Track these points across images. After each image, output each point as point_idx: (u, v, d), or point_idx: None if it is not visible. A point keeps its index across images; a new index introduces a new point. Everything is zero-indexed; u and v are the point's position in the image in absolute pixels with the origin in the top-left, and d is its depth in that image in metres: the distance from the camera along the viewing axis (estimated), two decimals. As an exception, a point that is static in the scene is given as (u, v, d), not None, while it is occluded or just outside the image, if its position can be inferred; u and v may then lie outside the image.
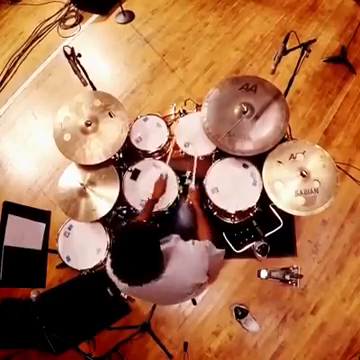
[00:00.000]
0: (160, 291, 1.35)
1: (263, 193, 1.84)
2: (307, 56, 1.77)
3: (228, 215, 2.00)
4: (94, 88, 2.17)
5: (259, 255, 2.05)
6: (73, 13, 3.91)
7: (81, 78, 1.96)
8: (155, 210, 1.89)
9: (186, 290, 1.41)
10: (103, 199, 1.94)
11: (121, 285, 1.35)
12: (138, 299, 2.32)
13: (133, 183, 2.02)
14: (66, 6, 3.96)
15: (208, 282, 1.53)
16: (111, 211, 1.94)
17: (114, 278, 1.32)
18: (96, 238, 2.01)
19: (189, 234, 1.59)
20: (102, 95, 2.06)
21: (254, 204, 1.87)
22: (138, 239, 1.16)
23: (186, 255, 1.40)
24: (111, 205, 1.91)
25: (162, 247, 1.28)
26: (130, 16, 3.74)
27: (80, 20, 3.87)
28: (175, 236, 1.56)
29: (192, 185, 1.94)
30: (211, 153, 2.02)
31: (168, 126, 2.15)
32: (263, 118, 1.89)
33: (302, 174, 1.77)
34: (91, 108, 2.01)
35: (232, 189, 1.92)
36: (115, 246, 1.21)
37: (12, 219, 1.85)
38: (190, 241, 1.47)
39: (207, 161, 2.03)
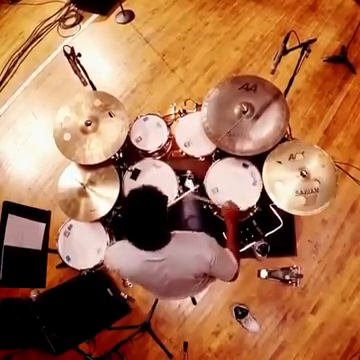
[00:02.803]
0: (164, 273, 1.35)
1: (263, 193, 1.84)
2: (307, 56, 1.76)
3: (228, 215, 2.00)
4: (94, 88, 2.17)
5: (259, 255, 2.04)
6: (73, 13, 3.91)
7: (81, 78, 1.96)
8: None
9: (189, 275, 1.39)
10: (103, 199, 1.94)
11: (128, 263, 1.36)
12: (139, 292, 2.31)
13: (133, 183, 2.02)
14: (66, 6, 3.96)
15: (227, 277, 1.50)
16: (111, 211, 1.94)
17: (121, 258, 1.37)
18: (96, 238, 2.01)
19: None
20: (102, 95, 2.05)
21: (254, 204, 1.87)
22: (147, 196, 1.22)
23: (191, 238, 1.40)
24: (111, 205, 1.91)
25: None
26: (130, 16, 3.74)
27: (80, 20, 3.87)
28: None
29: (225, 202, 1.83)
30: (211, 153, 2.02)
31: (168, 126, 2.15)
32: (263, 118, 1.88)
33: (302, 174, 1.77)
34: (91, 108, 2.00)
35: (232, 189, 1.91)
36: (126, 200, 1.27)
37: (12, 219, 1.85)
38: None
39: (207, 161, 2.03)
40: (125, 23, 3.73)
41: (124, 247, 1.31)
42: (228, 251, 1.48)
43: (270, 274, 2.04)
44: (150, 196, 1.23)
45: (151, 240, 1.24)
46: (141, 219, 1.19)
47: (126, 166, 2.07)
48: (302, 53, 1.76)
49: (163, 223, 1.24)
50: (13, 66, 3.71)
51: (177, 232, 1.38)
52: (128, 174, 2.03)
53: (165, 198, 1.27)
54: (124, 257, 1.38)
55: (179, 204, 2.00)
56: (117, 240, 2.02)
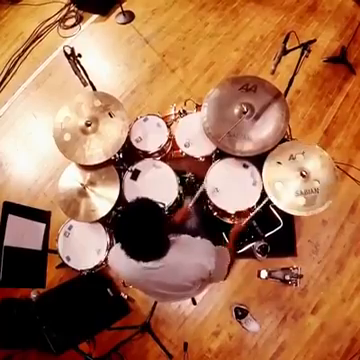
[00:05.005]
0: (161, 281, 1.34)
1: (263, 193, 1.84)
2: (307, 56, 1.76)
3: (228, 215, 2.00)
4: (94, 88, 2.17)
5: (259, 255, 2.05)
6: (73, 13, 3.91)
7: (81, 78, 1.96)
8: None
9: (187, 282, 1.38)
10: (103, 199, 1.94)
11: (125, 269, 1.35)
12: (139, 293, 2.31)
13: (133, 183, 2.03)
14: (66, 6, 3.96)
15: (219, 279, 1.54)
16: (111, 211, 1.94)
17: (119, 262, 1.35)
18: (96, 238, 2.01)
19: (194, 235, 1.58)
20: (102, 95, 2.06)
21: (254, 204, 1.88)
22: (144, 210, 1.19)
23: (191, 245, 1.39)
24: (111, 205, 1.91)
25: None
26: (130, 16, 3.74)
27: (80, 20, 3.87)
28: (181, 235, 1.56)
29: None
30: (211, 153, 2.02)
31: (168, 126, 2.15)
32: (263, 118, 1.89)
33: (302, 174, 1.78)
34: (91, 108, 2.01)
35: (232, 189, 1.92)
36: (123, 215, 1.24)
37: (12, 219, 1.85)
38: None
39: (207, 161, 2.03)
40: (125, 23, 3.73)
41: (122, 252, 1.25)
42: (223, 249, 1.51)
43: (270, 274, 2.04)
44: (146, 211, 1.18)
45: (148, 255, 1.22)
46: (138, 235, 1.14)
47: (126, 166, 2.07)
48: (302, 53, 1.76)
49: (160, 237, 1.21)
50: (13, 66, 3.71)
51: (175, 238, 1.36)
52: (128, 174, 2.04)
53: (161, 210, 1.24)
54: (122, 261, 1.33)
55: (176, 206, 2.01)
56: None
